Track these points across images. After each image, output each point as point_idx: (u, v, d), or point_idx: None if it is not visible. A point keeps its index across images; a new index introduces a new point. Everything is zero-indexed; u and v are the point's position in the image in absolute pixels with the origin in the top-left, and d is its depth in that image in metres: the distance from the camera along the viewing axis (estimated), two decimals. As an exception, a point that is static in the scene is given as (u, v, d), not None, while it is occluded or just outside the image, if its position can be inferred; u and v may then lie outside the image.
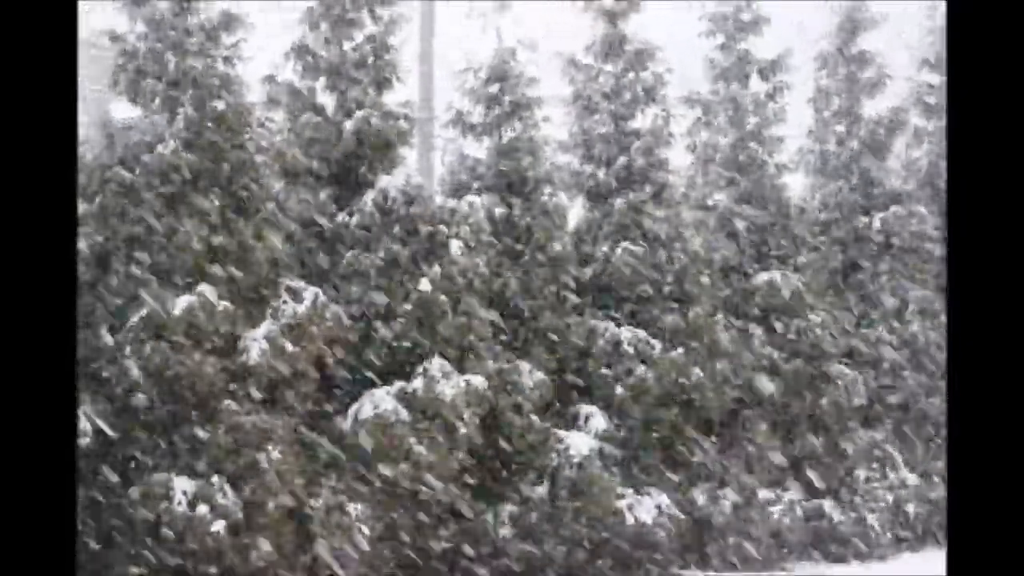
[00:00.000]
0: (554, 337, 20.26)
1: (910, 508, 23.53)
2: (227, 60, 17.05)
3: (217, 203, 16.44)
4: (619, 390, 20.42)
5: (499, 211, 20.01)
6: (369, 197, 18.18)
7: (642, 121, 22.41)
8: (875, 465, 23.58)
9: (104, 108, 17.23)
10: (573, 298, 20.72)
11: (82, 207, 16.20)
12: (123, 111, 16.86)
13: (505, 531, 18.36)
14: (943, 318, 25.15)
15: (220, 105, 16.62)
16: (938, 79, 27.52)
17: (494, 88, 20.89)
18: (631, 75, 22.39)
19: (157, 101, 16.80)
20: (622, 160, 22.15)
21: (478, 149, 20.90)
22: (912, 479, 23.85)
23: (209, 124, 16.56)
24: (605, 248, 21.62)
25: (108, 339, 15.50)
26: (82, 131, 16.82)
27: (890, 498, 23.29)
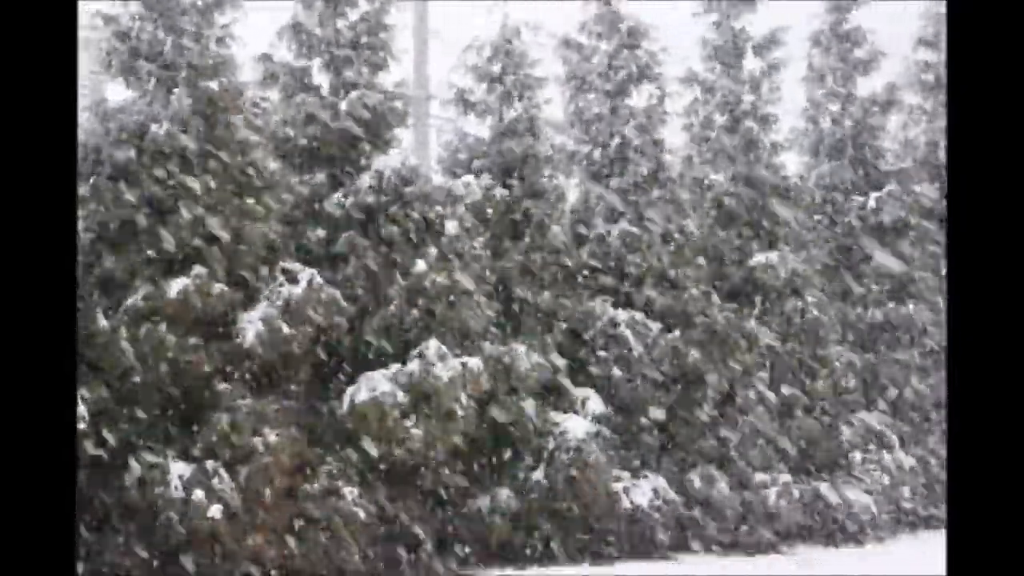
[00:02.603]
0: (551, 319, 20.12)
1: (906, 490, 23.49)
2: (220, 41, 16.84)
3: (212, 185, 16.22)
4: (616, 372, 20.31)
5: (498, 192, 19.81)
6: (366, 178, 17.99)
7: (637, 100, 22.26)
8: (871, 447, 23.52)
9: (97, 90, 17.00)
10: (570, 279, 20.58)
11: (78, 190, 16.04)
12: (117, 92, 16.65)
13: (501, 514, 18.20)
14: (939, 298, 25.08)
15: (214, 86, 16.41)
16: (934, 57, 27.38)
17: (496, 67, 20.71)
18: (625, 54, 22.23)
19: (152, 82, 16.58)
20: (617, 140, 22.00)
21: (479, 128, 20.73)
22: (908, 461, 23.80)
23: (203, 105, 16.34)
24: (601, 229, 21.49)
25: (103, 322, 15.30)
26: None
27: (886, 480, 23.24)
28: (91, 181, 16.10)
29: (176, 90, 16.39)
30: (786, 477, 21.88)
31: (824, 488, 22.41)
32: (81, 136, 16.24)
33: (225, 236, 16.18)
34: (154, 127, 16.21)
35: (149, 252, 16.00)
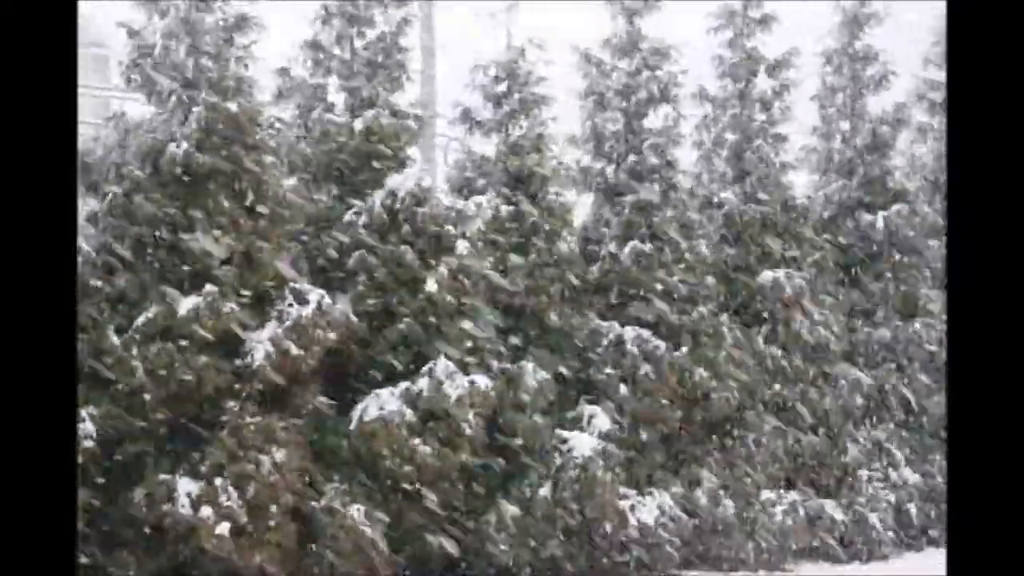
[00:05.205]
0: (558, 337, 20.15)
1: (912, 507, 23.50)
2: (239, 60, 16.92)
3: (226, 204, 16.28)
4: (623, 390, 20.34)
5: (505, 209, 19.85)
6: (378, 197, 18.04)
7: (654, 120, 22.22)
8: (877, 465, 23.55)
9: (113, 105, 17.10)
10: (578, 296, 20.63)
11: (92, 205, 16.12)
12: (135, 108, 16.71)
13: (507, 531, 18.24)
14: (945, 316, 25.08)
15: (233, 106, 16.47)
16: (942, 76, 27.37)
17: (502, 86, 20.76)
18: (645, 74, 22.17)
19: (172, 100, 16.64)
20: (632, 158, 21.99)
21: (486, 146, 20.78)
22: (914, 478, 23.82)
23: (221, 125, 16.40)
24: (612, 247, 21.48)
25: (115, 340, 15.36)
26: (94, 129, 16.70)
27: (892, 498, 23.27)
28: (108, 197, 16.17)
29: (196, 109, 16.46)
30: (792, 495, 21.92)
31: (830, 506, 22.44)
32: (99, 150, 16.31)
33: (236, 256, 16.23)
34: (172, 146, 16.30)
35: (162, 270, 16.06)
